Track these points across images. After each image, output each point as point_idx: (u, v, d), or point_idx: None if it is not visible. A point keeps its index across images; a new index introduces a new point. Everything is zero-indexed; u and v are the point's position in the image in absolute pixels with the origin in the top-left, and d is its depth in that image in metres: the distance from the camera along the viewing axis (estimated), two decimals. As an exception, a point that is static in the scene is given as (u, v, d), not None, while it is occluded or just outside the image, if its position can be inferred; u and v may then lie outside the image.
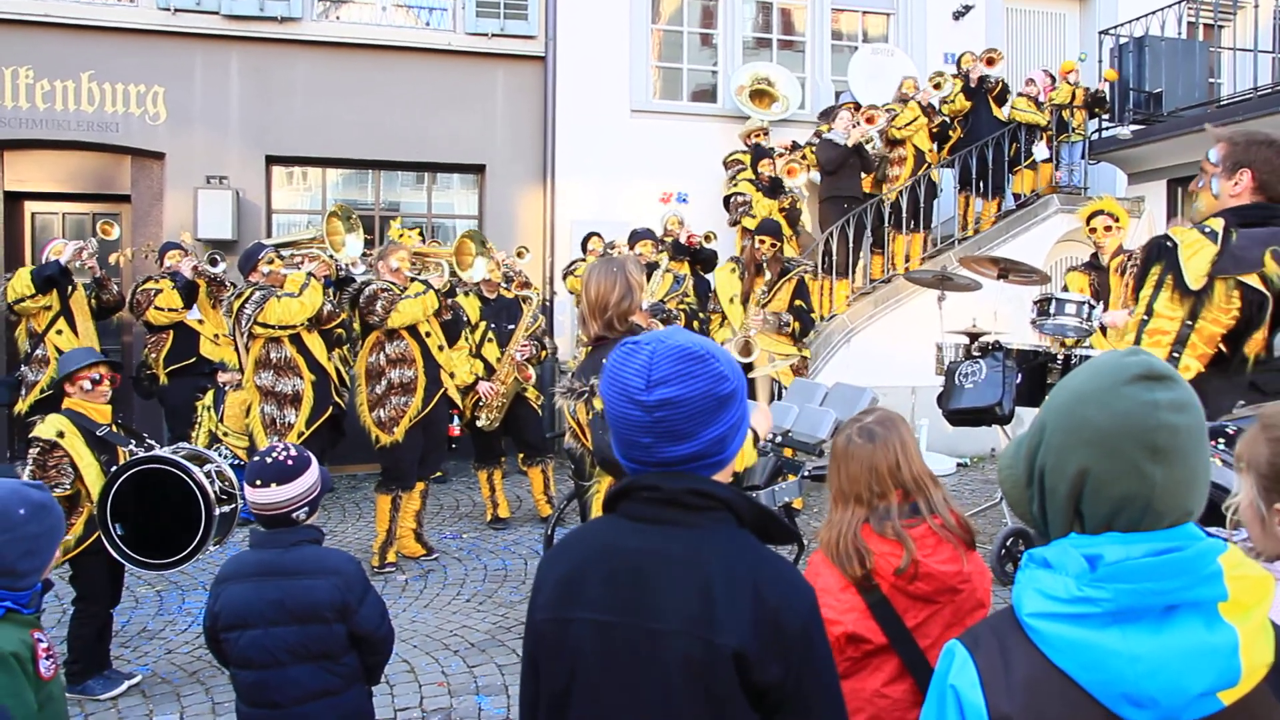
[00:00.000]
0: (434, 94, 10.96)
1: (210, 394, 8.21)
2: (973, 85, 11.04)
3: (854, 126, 10.19)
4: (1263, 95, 9.81)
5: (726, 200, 10.77)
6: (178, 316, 8.37)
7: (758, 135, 11.03)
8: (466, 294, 7.83)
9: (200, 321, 8.53)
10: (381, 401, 6.65)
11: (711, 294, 8.51)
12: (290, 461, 3.10)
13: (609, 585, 1.62)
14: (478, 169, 11.35)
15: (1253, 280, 3.26)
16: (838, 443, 2.64)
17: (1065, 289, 6.84)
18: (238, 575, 3.08)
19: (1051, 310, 6.01)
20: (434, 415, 6.85)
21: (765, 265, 7.92)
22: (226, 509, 4.64)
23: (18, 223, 10.42)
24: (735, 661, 1.50)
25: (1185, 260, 3.32)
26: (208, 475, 4.54)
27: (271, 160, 10.79)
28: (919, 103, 10.71)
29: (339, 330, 6.94)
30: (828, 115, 10.82)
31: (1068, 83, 11.40)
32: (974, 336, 6.64)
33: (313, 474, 3.13)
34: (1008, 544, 6.17)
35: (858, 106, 10.83)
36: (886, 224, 10.52)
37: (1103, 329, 6.01)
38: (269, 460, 3.09)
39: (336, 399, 6.69)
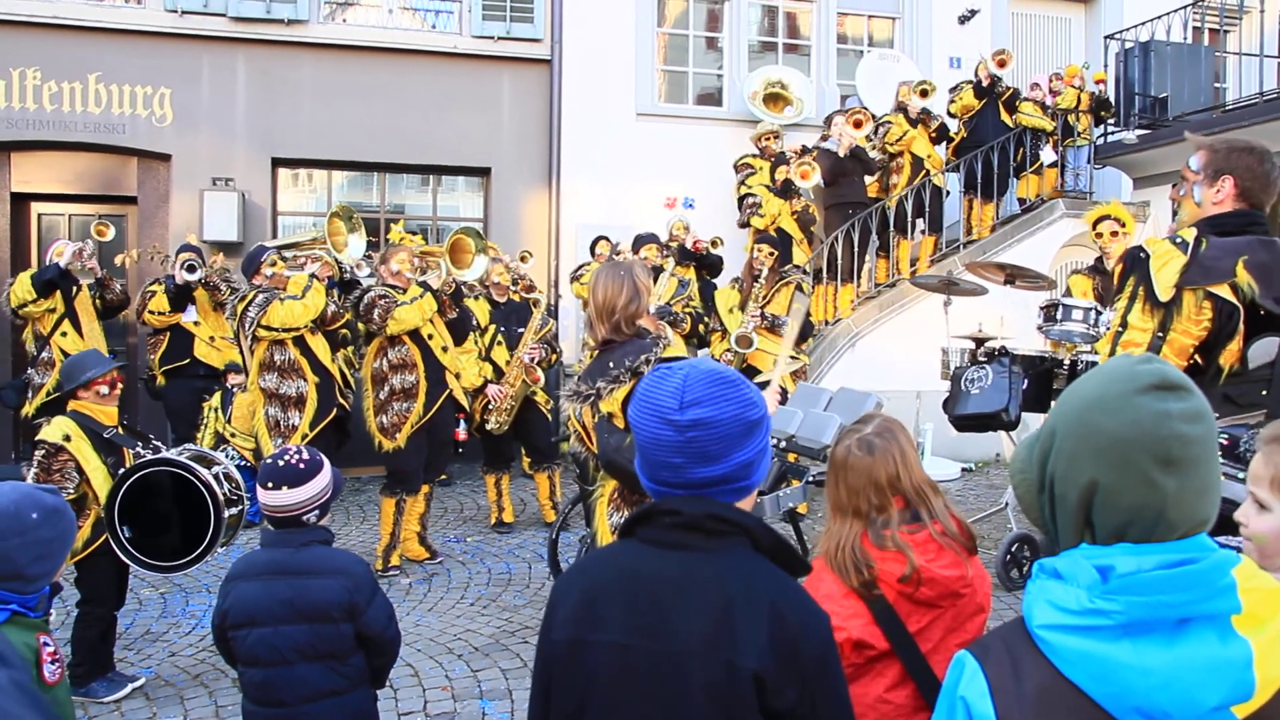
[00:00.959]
0: (440, 97, 10.96)
1: (217, 395, 8.24)
2: (984, 85, 11.01)
3: (844, 134, 10.19)
4: (1268, 100, 9.79)
5: (740, 201, 10.74)
6: (169, 319, 8.42)
7: (769, 138, 11.01)
8: (476, 297, 7.81)
9: (196, 324, 8.55)
10: (385, 407, 6.65)
11: (712, 314, 8.56)
12: (302, 465, 3.11)
13: (628, 609, 1.63)
14: (483, 172, 11.35)
15: (1223, 291, 3.22)
16: (836, 454, 2.64)
17: (1068, 292, 6.82)
18: (248, 573, 3.10)
19: (1058, 315, 5.99)
20: (439, 419, 6.84)
21: (764, 274, 7.97)
22: (233, 511, 4.65)
23: (24, 224, 10.44)
24: (755, 683, 1.51)
25: (1155, 271, 3.31)
26: (215, 477, 4.55)
27: (277, 162, 10.80)
28: (906, 115, 10.68)
29: (343, 332, 6.94)
30: (829, 123, 10.81)
31: (1073, 87, 11.38)
32: (980, 342, 6.63)
33: (324, 477, 3.15)
34: (1012, 550, 6.16)
35: (862, 109, 10.82)
36: (891, 229, 10.50)
37: None
38: (281, 463, 3.11)
39: (341, 401, 6.68)
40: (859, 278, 10.54)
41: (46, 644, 2.42)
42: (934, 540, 2.49)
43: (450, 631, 5.66)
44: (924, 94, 10.72)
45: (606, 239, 9.80)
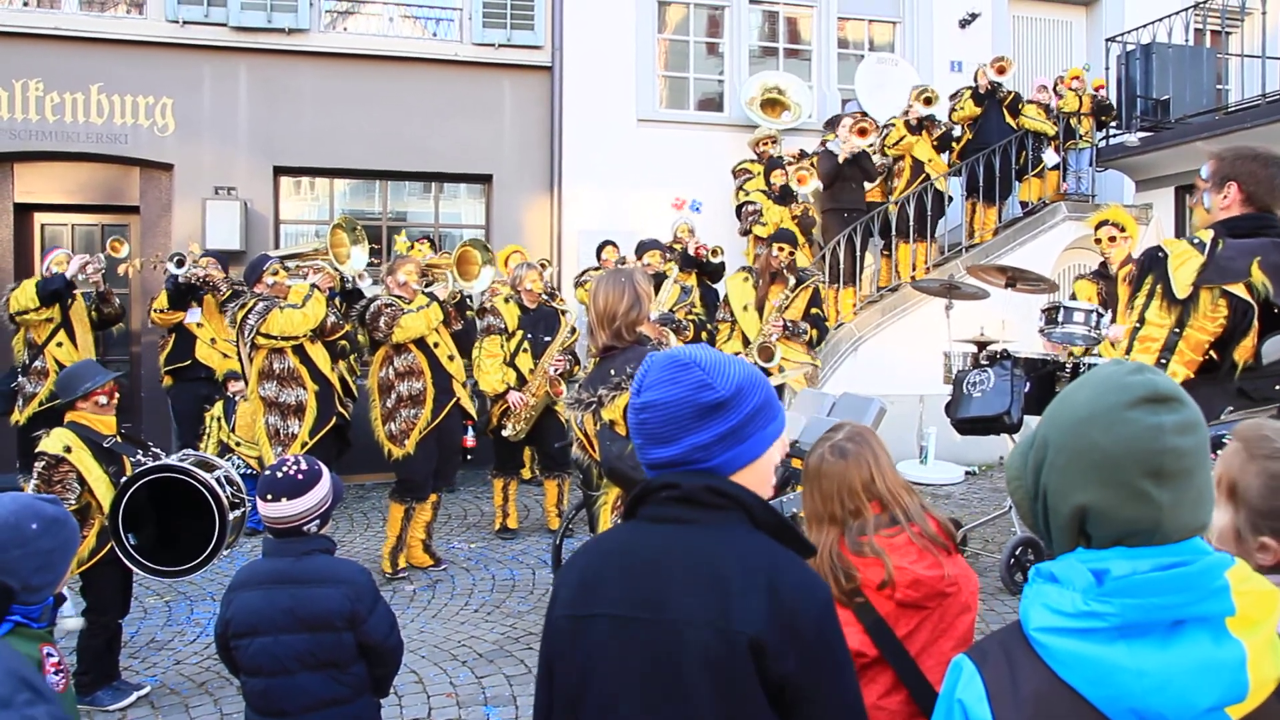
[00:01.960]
0: (441, 104, 10.99)
1: (220, 405, 8.26)
2: (982, 92, 11.01)
3: (847, 140, 10.19)
4: (1271, 102, 9.79)
5: (738, 209, 10.76)
6: (171, 319, 8.56)
7: (767, 143, 11.02)
8: (506, 300, 7.77)
9: (199, 325, 8.61)
10: (392, 415, 6.67)
11: (721, 303, 8.50)
12: (300, 476, 3.12)
13: (626, 582, 1.65)
14: (485, 179, 11.37)
15: (1238, 289, 3.36)
16: (810, 463, 2.64)
17: (1074, 297, 6.82)
18: (250, 583, 3.11)
19: (1060, 318, 6.00)
20: (446, 425, 6.85)
21: (782, 273, 7.91)
22: (236, 514, 4.66)
23: (27, 234, 10.46)
24: (752, 650, 1.51)
25: (1174, 270, 3.45)
26: (217, 481, 4.56)
27: (279, 171, 10.83)
28: (906, 122, 10.68)
29: (342, 342, 6.95)
30: (833, 124, 10.79)
31: (1071, 90, 11.37)
32: (982, 345, 6.64)
33: (324, 487, 3.16)
34: (1017, 553, 6.15)
35: (864, 115, 10.82)
36: (893, 232, 10.50)
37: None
38: (280, 475, 3.12)
39: (340, 409, 6.70)
40: (860, 281, 10.54)
41: (50, 654, 2.43)
42: (913, 543, 2.50)
43: (454, 638, 5.66)
44: (927, 101, 10.71)
45: (614, 244, 9.83)
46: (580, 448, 3.76)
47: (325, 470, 3.22)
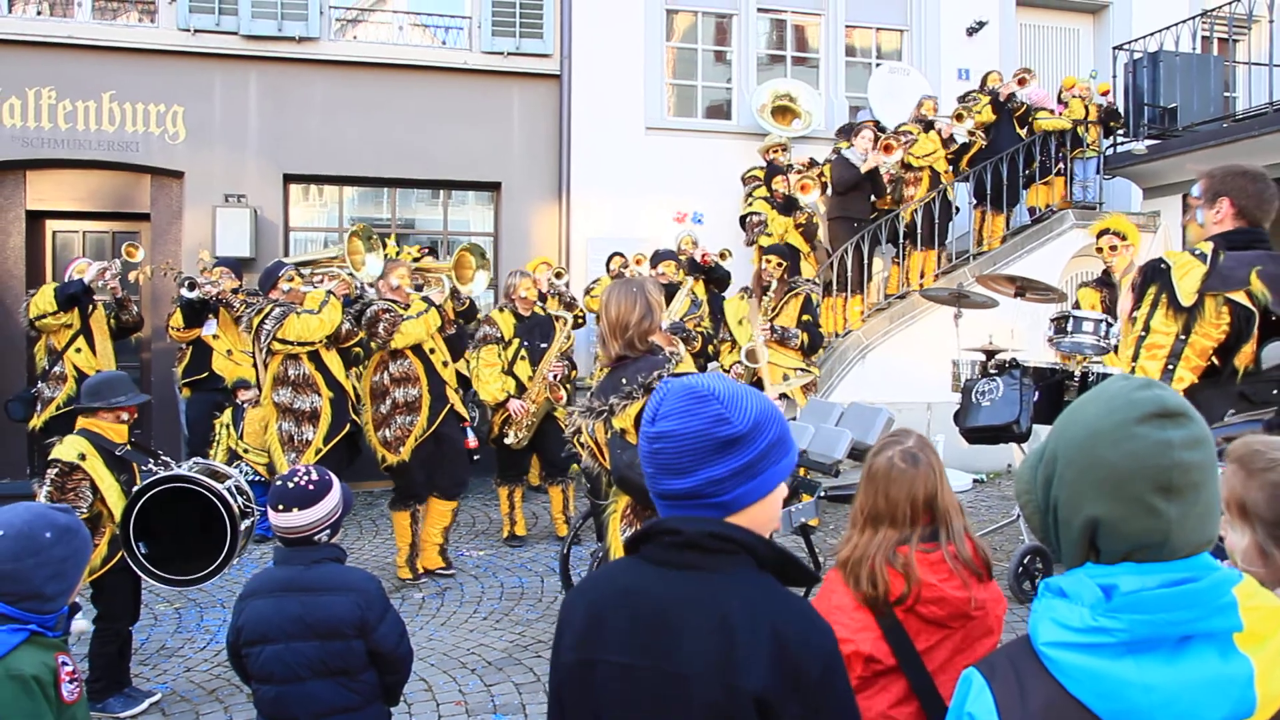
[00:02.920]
0: (450, 112, 11.02)
1: (229, 412, 8.30)
2: (1002, 100, 11.03)
3: (871, 152, 10.19)
4: (1278, 109, 9.78)
5: (743, 220, 10.77)
6: (188, 335, 8.57)
7: (776, 150, 11.03)
8: (501, 309, 7.80)
9: (215, 337, 8.64)
10: (387, 421, 6.70)
11: (722, 324, 8.56)
12: (311, 486, 3.15)
13: (632, 628, 1.64)
14: (493, 186, 11.40)
15: (1240, 297, 3.52)
16: (878, 464, 2.64)
17: (1077, 305, 6.83)
18: (261, 591, 3.14)
19: (1069, 328, 6.00)
20: (443, 431, 6.87)
21: (774, 285, 7.97)
22: (246, 523, 4.69)
23: (39, 241, 10.52)
24: (756, 706, 1.51)
25: (1178, 280, 3.60)
26: (229, 491, 4.59)
27: (289, 178, 10.87)
28: (939, 134, 10.70)
29: (357, 350, 6.98)
30: (847, 132, 10.76)
31: (1077, 98, 11.39)
32: (990, 354, 6.64)
33: (334, 497, 3.18)
34: (1025, 562, 6.15)
35: (879, 126, 10.83)
36: (901, 239, 10.51)
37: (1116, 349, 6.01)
38: (291, 485, 3.14)
39: (354, 416, 6.73)
40: (868, 289, 10.55)
41: (65, 663, 2.44)
42: (946, 561, 2.51)
43: (463, 646, 5.67)
44: (960, 118, 10.71)
45: (621, 255, 9.87)
46: (591, 456, 3.77)
47: (336, 480, 3.24)
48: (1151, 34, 11.20)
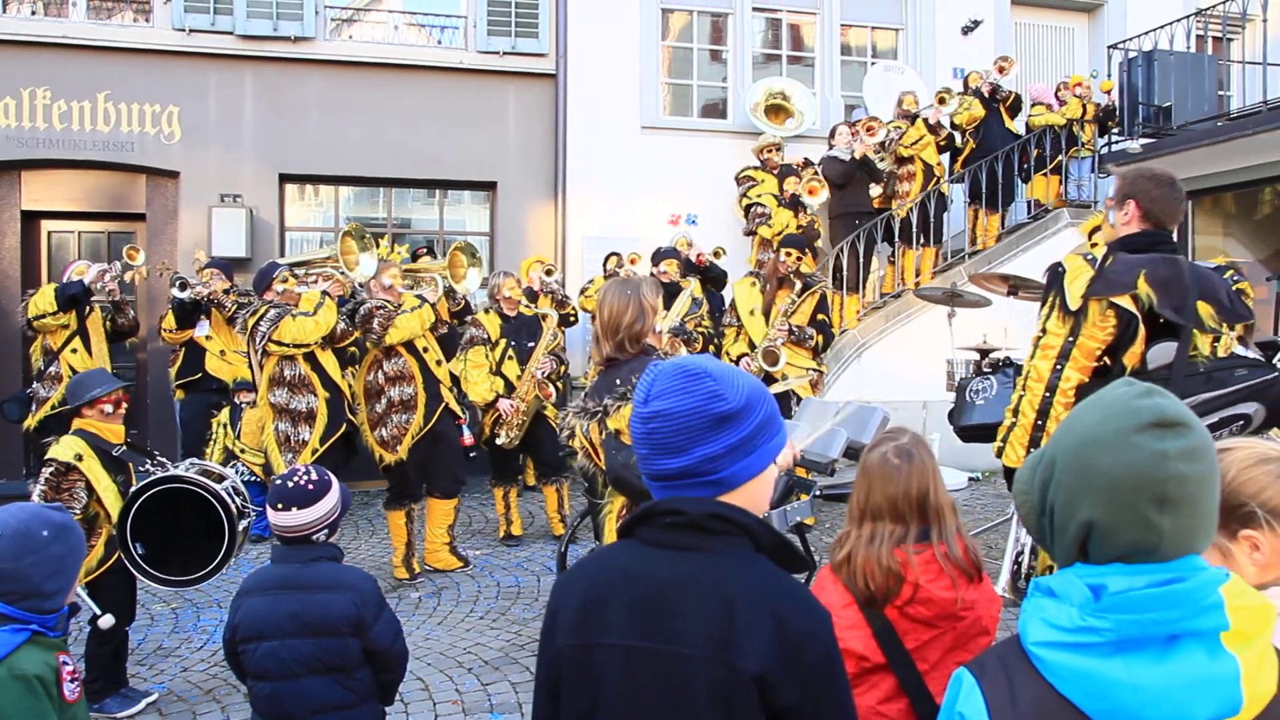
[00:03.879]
0: (446, 111, 11.03)
1: (225, 412, 8.30)
2: (986, 95, 11.06)
3: (855, 140, 10.22)
4: (1272, 108, 9.80)
5: (747, 209, 10.74)
6: (180, 336, 8.55)
7: (771, 150, 11.04)
8: (486, 311, 7.80)
9: (208, 338, 8.63)
10: (383, 420, 6.71)
11: (729, 308, 8.49)
12: (311, 486, 3.17)
13: (631, 611, 1.65)
14: (489, 186, 11.41)
15: (1124, 301, 3.67)
16: (872, 460, 2.66)
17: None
18: (257, 589, 3.17)
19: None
20: (439, 429, 6.89)
21: (789, 278, 7.90)
22: (244, 524, 4.70)
23: (34, 241, 10.52)
24: (757, 685, 1.53)
25: (1068, 284, 3.77)
26: (226, 492, 4.60)
27: (285, 178, 10.87)
28: (925, 120, 10.73)
29: (352, 349, 6.99)
30: (833, 135, 10.83)
31: (1076, 96, 11.42)
32: (984, 353, 6.66)
33: (333, 497, 3.20)
34: (1019, 559, 6.16)
35: (853, 122, 10.85)
36: (897, 238, 10.53)
37: None
38: (290, 484, 3.16)
39: (350, 416, 6.74)
40: (864, 288, 10.57)
41: (66, 663, 2.46)
42: (936, 561, 2.53)
43: (460, 645, 5.69)
44: (942, 101, 10.73)
45: (617, 255, 9.87)
46: (585, 456, 3.78)
47: (335, 481, 3.27)
48: (1146, 33, 11.21)
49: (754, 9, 12.13)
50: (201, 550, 4.59)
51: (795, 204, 10.28)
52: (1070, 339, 3.74)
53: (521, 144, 11.28)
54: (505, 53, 11.12)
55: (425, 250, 10.02)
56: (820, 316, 7.94)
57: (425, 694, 4.99)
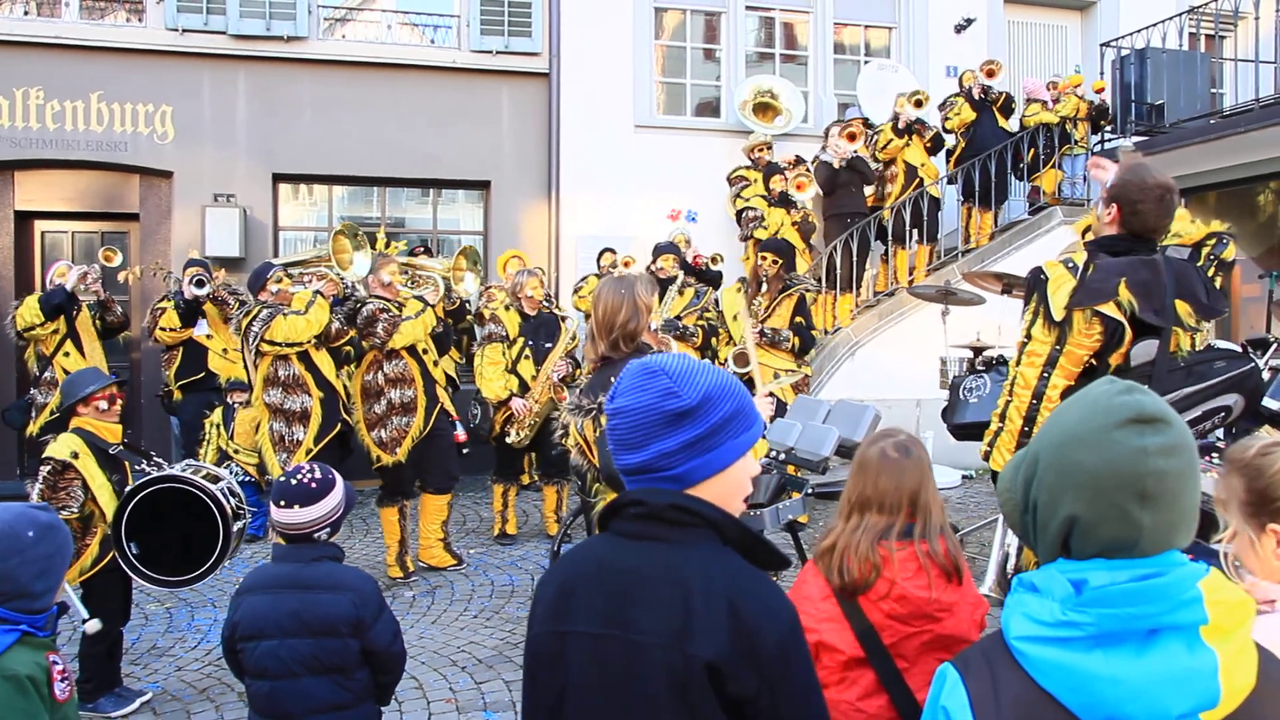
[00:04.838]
0: (439, 111, 11.04)
1: (219, 412, 8.28)
2: (976, 98, 11.09)
3: (835, 148, 10.26)
4: (1264, 106, 9.83)
5: (739, 215, 10.77)
6: (181, 335, 8.49)
7: (761, 149, 11.05)
8: (507, 308, 7.77)
9: (209, 337, 8.61)
10: (382, 421, 6.72)
11: (718, 314, 8.55)
12: (314, 484, 3.17)
13: (600, 599, 1.69)
14: (483, 185, 11.42)
15: (1108, 309, 3.64)
16: (869, 454, 2.68)
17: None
18: (258, 587, 3.16)
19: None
20: (434, 429, 6.92)
21: (766, 282, 7.94)
22: (238, 525, 4.71)
23: (28, 241, 10.51)
24: (709, 673, 1.55)
25: (1051, 294, 3.74)
26: (222, 492, 4.61)
27: (278, 178, 10.88)
28: (894, 126, 10.73)
29: (347, 349, 6.99)
30: (827, 135, 10.84)
31: (1073, 95, 11.43)
32: (978, 351, 6.67)
33: (336, 496, 3.21)
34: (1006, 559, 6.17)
35: (852, 122, 10.87)
36: (890, 237, 10.53)
37: None
38: (294, 482, 3.17)
39: (345, 416, 6.74)
40: (858, 287, 10.59)
41: (56, 662, 2.47)
42: (916, 559, 2.54)
43: (454, 644, 5.69)
44: (918, 104, 10.75)
45: (612, 251, 9.87)
46: (579, 453, 3.78)
47: (339, 480, 3.27)
48: (1139, 30, 11.23)
49: (747, 7, 12.16)
50: (196, 550, 4.59)
51: (785, 201, 10.28)
52: (1057, 347, 3.73)
53: (515, 143, 11.29)
54: (498, 52, 11.13)
55: (422, 249, 10.01)
56: (798, 319, 7.94)
57: (419, 692, 4.99)
